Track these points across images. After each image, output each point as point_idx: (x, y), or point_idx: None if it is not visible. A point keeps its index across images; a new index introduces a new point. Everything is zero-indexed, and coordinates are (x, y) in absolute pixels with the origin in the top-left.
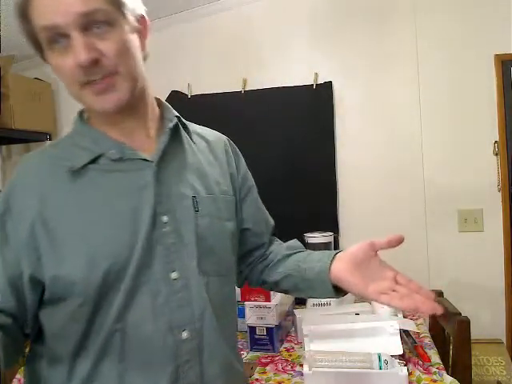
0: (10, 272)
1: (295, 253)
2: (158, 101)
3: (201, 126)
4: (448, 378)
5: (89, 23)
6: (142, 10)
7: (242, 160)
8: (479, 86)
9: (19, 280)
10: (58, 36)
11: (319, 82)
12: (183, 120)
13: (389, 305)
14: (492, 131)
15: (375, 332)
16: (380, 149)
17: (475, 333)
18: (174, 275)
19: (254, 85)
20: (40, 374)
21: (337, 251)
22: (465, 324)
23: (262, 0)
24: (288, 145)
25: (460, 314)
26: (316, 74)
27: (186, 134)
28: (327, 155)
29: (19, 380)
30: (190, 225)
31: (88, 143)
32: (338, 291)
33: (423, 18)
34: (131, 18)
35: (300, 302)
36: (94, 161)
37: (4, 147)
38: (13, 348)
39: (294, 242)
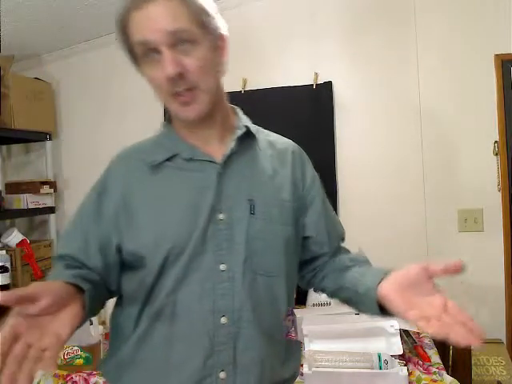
0: (102, 241)
1: (356, 265)
2: (234, 110)
3: (275, 134)
4: (448, 378)
5: (176, 41)
6: (223, 29)
7: (310, 169)
8: (479, 85)
9: (108, 248)
10: (150, 51)
11: (319, 82)
12: (253, 128)
13: (424, 330)
14: (492, 131)
15: (375, 332)
16: (380, 149)
17: None
18: (222, 267)
19: (254, 85)
20: (118, 323)
21: (391, 269)
22: None
23: (262, 0)
24: None
25: None
26: (316, 73)
27: (255, 142)
28: (327, 155)
29: None
30: (243, 225)
31: (168, 143)
32: (386, 311)
33: (423, 18)
34: (213, 37)
35: (300, 302)
36: (170, 159)
37: (4, 147)
38: (98, 300)
39: (358, 255)
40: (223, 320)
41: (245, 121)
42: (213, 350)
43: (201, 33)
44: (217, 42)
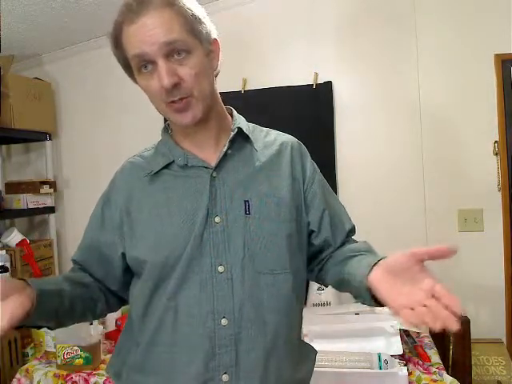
0: (103, 249)
1: (357, 255)
2: (230, 111)
3: (274, 131)
4: (448, 378)
5: (171, 51)
6: (214, 34)
7: (309, 164)
8: (479, 85)
9: (111, 255)
10: (146, 62)
11: (319, 82)
12: (247, 128)
13: (406, 321)
14: (492, 131)
15: (375, 332)
16: (380, 149)
17: (475, 333)
18: (220, 268)
19: (254, 85)
20: (128, 327)
21: (380, 258)
22: (465, 324)
23: (261, 0)
24: None
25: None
26: (316, 73)
27: (251, 142)
28: (327, 155)
29: (19, 380)
30: (239, 226)
31: (166, 151)
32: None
33: (423, 18)
34: (206, 44)
35: None
36: (167, 166)
37: (4, 147)
38: (92, 305)
39: (360, 244)
40: (224, 322)
41: (239, 122)
42: (214, 353)
43: (194, 41)
44: (209, 48)
